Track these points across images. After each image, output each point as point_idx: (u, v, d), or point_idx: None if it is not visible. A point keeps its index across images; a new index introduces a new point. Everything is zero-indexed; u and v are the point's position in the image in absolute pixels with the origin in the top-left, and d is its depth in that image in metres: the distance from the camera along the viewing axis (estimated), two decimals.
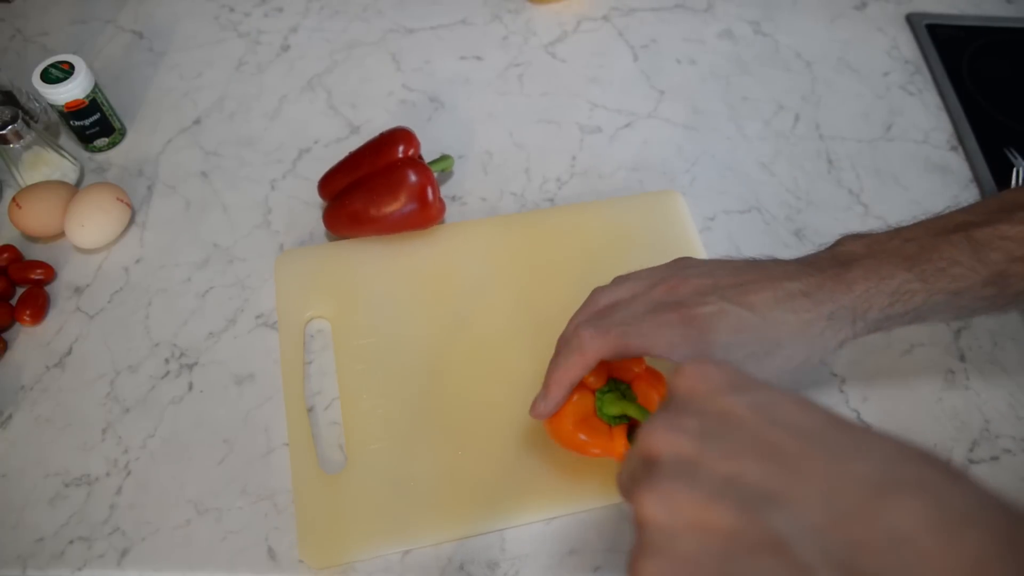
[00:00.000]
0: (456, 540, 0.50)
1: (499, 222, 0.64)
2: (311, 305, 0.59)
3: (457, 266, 0.61)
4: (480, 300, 0.59)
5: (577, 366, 0.42)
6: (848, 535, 0.25)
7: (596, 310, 0.44)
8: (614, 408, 0.44)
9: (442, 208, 0.61)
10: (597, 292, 0.45)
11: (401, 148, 0.59)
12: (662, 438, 0.29)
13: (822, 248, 0.45)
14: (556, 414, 0.44)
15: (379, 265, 0.61)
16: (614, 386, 0.45)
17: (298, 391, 0.55)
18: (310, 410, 0.55)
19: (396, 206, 0.58)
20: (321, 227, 0.64)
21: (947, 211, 0.44)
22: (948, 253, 0.41)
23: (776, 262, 0.43)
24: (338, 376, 0.56)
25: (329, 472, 0.52)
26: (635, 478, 0.29)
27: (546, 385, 0.43)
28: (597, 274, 0.50)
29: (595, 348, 0.41)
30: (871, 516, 0.25)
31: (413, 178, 0.58)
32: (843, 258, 0.42)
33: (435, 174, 0.61)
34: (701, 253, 0.62)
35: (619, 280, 0.45)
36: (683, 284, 0.42)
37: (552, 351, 0.48)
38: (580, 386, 0.44)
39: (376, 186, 0.58)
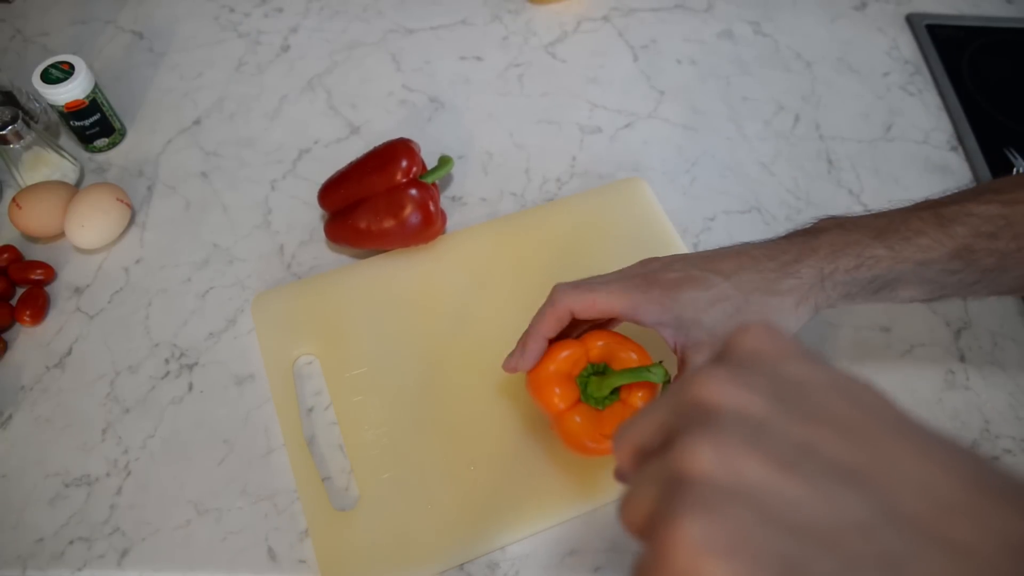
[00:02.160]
0: (477, 558, 0.50)
1: (478, 231, 0.63)
2: (295, 345, 0.57)
3: (440, 280, 0.60)
4: (468, 311, 0.59)
5: (549, 317, 0.43)
6: (948, 531, 0.21)
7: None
8: (602, 388, 0.44)
9: (444, 221, 0.61)
10: (557, 289, 0.45)
11: (404, 163, 0.58)
12: (724, 389, 0.24)
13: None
14: (570, 428, 0.45)
15: (359, 292, 0.59)
16: (592, 369, 0.46)
17: (297, 433, 0.53)
18: (311, 442, 0.54)
19: (400, 225, 0.58)
20: (321, 227, 0.64)
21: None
22: (915, 225, 0.42)
23: (748, 242, 0.45)
24: (336, 410, 0.54)
25: (343, 509, 0.51)
26: (674, 428, 0.24)
27: (521, 340, 0.45)
28: (577, 270, 0.50)
29: (564, 300, 0.43)
30: (979, 514, 0.21)
31: (417, 200, 0.58)
32: (813, 231, 0.44)
33: (436, 179, 0.61)
34: (673, 235, 0.62)
35: (584, 280, 0.46)
36: (653, 261, 0.45)
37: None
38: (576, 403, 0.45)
39: (379, 207, 0.58)
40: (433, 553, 0.49)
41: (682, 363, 0.43)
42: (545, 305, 0.44)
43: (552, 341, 0.45)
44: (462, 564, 0.49)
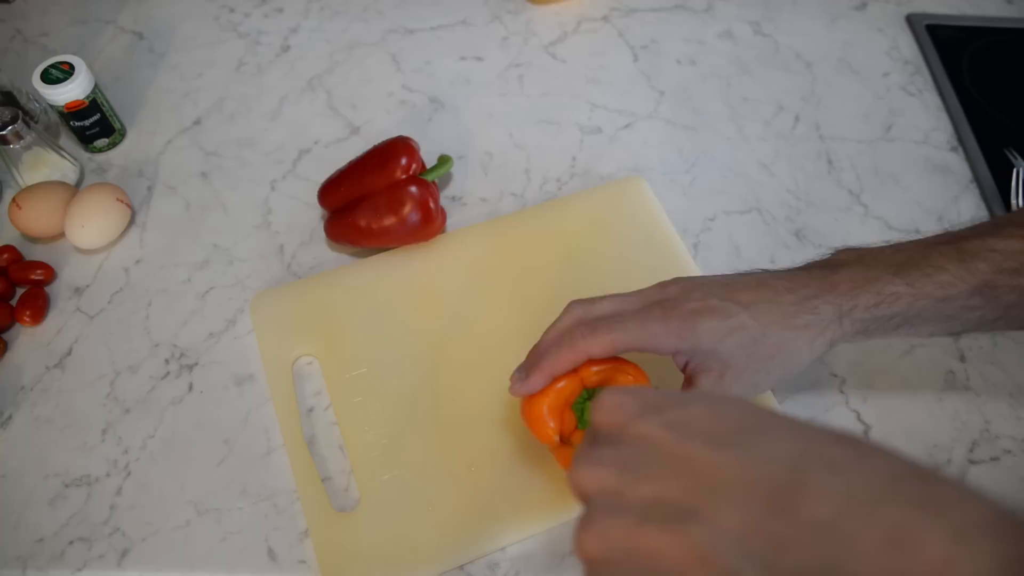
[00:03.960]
0: (478, 559, 0.49)
1: (478, 231, 0.63)
2: (295, 345, 0.57)
3: (439, 279, 0.60)
4: (468, 311, 0.58)
5: (565, 361, 0.43)
6: (767, 536, 0.25)
7: (586, 319, 0.44)
8: None
9: (444, 219, 0.61)
10: (574, 305, 0.45)
11: (404, 160, 0.58)
12: (586, 475, 0.30)
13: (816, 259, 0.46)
14: (567, 459, 0.44)
15: (359, 292, 0.59)
16: (588, 395, 0.45)
17: (297, 434, 0.53)
18: (311, 442, 0.53)
19: (400, 223, 0.58)
20: (320, 228, 0.64)
21: (944, 231, 0.45)
22: (936, 261, 0.41)
23: (766, 270, 0.44)
24: (336, 411, 0.54)
25: (343, 510, 0.50)
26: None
27: (529, 370, 0.44)
28: (578, 270, 0.49)
29: (583, 345, 0.42)
30: (786, 512, 0.25)
31: (416, 197, 0.58)
32: (833, 264, 0.43)
33: (436, 177, 0.61)
34: (673, 234, 0.62)
35: (601, 297, 0.45)
36: (672, 286, 0.43)
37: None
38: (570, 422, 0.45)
39: (379, 204, 0.58)
40: (433, 554, 0.49)
41: (688, 382, 0.43)
42: (561, 346, 0.42)
43: None
44: (462, 565, 0.49)
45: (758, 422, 0.28)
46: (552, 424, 0.44)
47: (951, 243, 0.42)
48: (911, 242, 0.44)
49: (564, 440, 0.45)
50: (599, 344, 0.41)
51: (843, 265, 0.43)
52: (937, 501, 0.24)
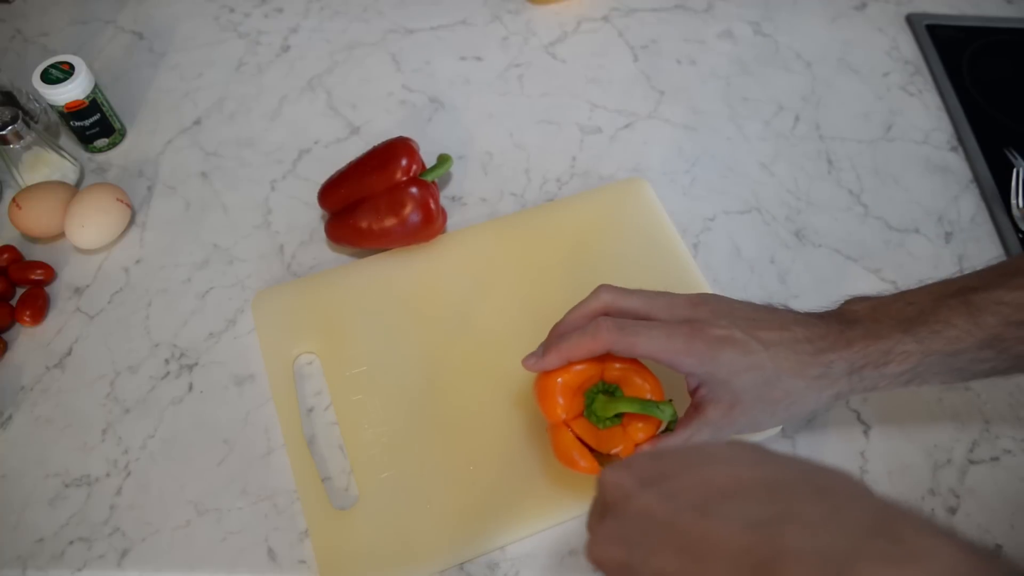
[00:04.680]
0: (477, 557, 0.50)
1: (479, 231, 0.63)
2: (295, 343, 0.57)
3: (440, 279, 0.60)
4: (468, 310, 0.59)
5: (584, 348, 0.43)
6: None
7: (613, 310, 0.45)
8: (607, 409, 0.44)
9: (444, 220, 0.61)
10: (603, 291, 0.45)
11: (404, 162, 0.58)
12: (601, 551, 0.32)
13: (830, 307, 0.46)
14: (563, 440, 0.45)
15: (360, 290, 0.59)
16: (603, 387, 0.45)
17: (297, 432, 0.53)
18: (311, 442, 0.54)
19: (400, 224, 0.58)
20: (321, 228, 0.64)
21: (955, 276, 0.45)
22: (944, 316, 0.42)
23: (790, 310, 0.45)
24: (335, 409, 0.54)
25: (342, 508, 0.50)
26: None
27: (547, 350, 0.44)
28: (579, 270, 0.49)
29: (607, 339, 0.42)
30: None
31: (417, 198, 0.58)
32: (848, 317, 0.44)
33: (435, 177, 0.61)
34: (675, 236, 0.62)
35: (633, 291, 0.45)
36: (702, 306, 0.44)
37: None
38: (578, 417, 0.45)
39: (380, 206, 0.58)
40: (432, 552, 0.49)
41: (696, 409, 0.43)
42: (586, 336, 0.43)
43: None
44: (462, 564, 0.49)
45: (743, 482, 0.30)
46: (562, 402, 0.44)
47: (959, 295, 0.43)
48: (921, 291, 0.44)
49: (566, 421, 0.45)
50: (622, 343, 0.42)
51: (857, 321, 0.43)
52: (908, 555, 0.25)
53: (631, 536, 0.31)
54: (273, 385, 0.55)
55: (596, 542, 0.33)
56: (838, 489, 0.29)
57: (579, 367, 0.44)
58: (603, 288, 0.45)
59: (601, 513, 0.34)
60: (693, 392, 0.44)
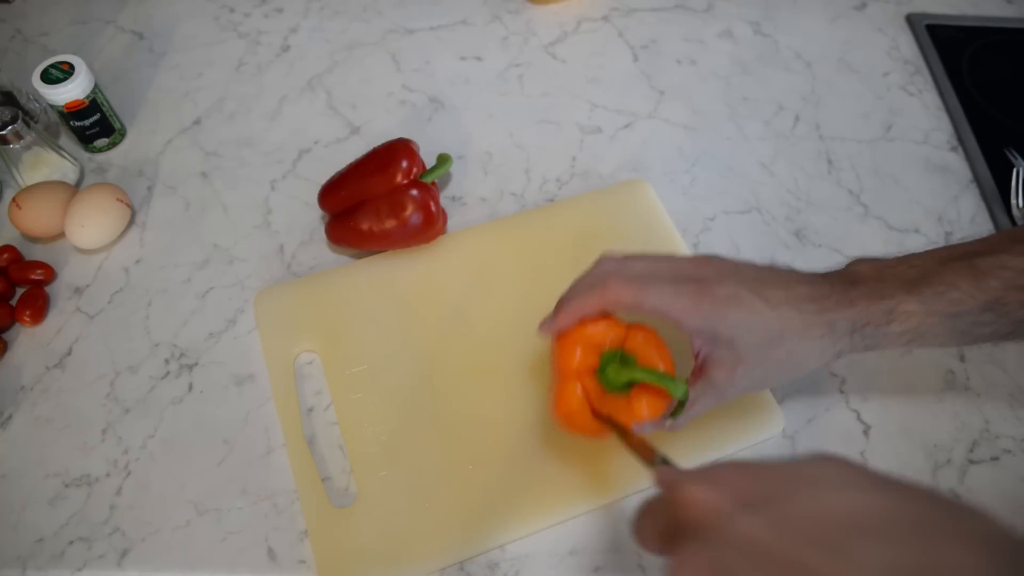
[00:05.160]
0: (476, 556, 0.50)
1: (479, 231, 0.63)
2: (296, 342, 0.57)
3: (440, 279, 0.60)
4: (468, 310, 0.59)
5: (593, 301, 0.43)
6: None
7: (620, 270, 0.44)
8: (620, 375, 0.44)
9: (444, 221, 0.61)
10: (606, 258, 0.45)
11: (404, 164, 0.58)
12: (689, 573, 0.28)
13: (835, 268, 0.46)
14: (567, 394, 0.45)
15: (360, 290, 0.59)
16: (620, 354, 0.45)
17: (297, 430, 0.53)
18: (311, 441, 0.54)
19: (401, 226, 0.58)
20: (321, 228, 0.64)
21: (961, 241, 0.45)
22: (949, 278, 0.42)
23: (793, 270, 0.45)
24: (335, 407, 0.54)
25: (341, 506, 0.50)
26: None
27: (558, 310, 0.45)
28: (579, 270, 0.49)
29: (616, 292, 0.42)
30: None
31: (418, 200, 0.58)
32: (851, 277, 0.44)
33: (436, 178, 0.61)
34: (676, 238, 0.62)
35: (635, 255, 0.45)
36: (707, 266, 0.44)
37: (549, 350, 0.47)
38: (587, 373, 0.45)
39: (380, 208, 0.58)
40: (431, 551, 0.49)
41: (700, 371, 0.44)
42: (595, 289, 0.43)
43: None
44: (461, 563, 0.49)
45: (875, 516, 0.26)
46: (579, 355, 0.44)
47: (964, 259, 0.43)
48: (926, 254, 0.44)
49: (578, 373, 0.45)
50: (630, 294, 0.42)
51: (861, 280, 0.43)
52: None
53: (732, 567, 0.26)
54: (274, 383, 0.55)
55: (684, 568, 0.28)
56: (988, 534, 0.25)
57: (603, 326, 0.44)
58: (605, 256, 0.45)
59: (675, 533, 0.29)
60: (696, 354, 0.44)
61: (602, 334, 0.44)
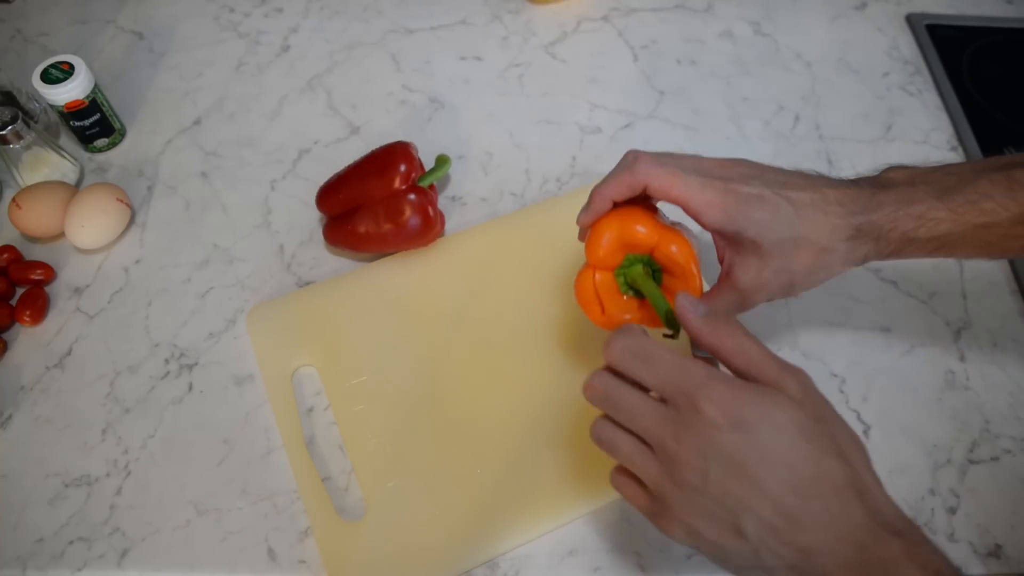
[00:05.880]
0: (488, 560, 0.49)
1: (474, 233, 0.63)
2: (293, 356, 0.56)
3: (437, 283, 0.60)
4: (467, 313, 0.58)
5: (623, 183, 0.43)
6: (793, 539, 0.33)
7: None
8: (635, 282, 0.44)
9: (442, 223, 0.61)
10: (633, 151, 0.45)
11: (403, 168, 0.58)
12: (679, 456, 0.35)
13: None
14: (585, 282, 0.45)
15: (356, 300, 0.59)
16: (647, 260, 0.44)
17: (299, 445, 0.52)
18: (312, 445, 0.53)
19: (399, 229, 0.58)
20: (320, 228, 0.64)
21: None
22: (984, 188, 0.42)
23: (821, 175, 0.45)
24: (337, 421, 0.54)
25: (351, 520, 0.50)
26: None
27: (590, 198, 0.44)
28: (578, 267, 0.49)
29: (645, 172, 0.42)
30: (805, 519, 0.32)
31: (416, 204, 0.58)
32: (882, 182, 0.44)
33: (435, 180, 0.61)
34: None
35: (661, 152, 0.45)
36: (732, 167, 0.43)
37: (550, 350, 0.48)
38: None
39: (378, 211, 0.58)
40: (443, 559, 0.49)
41: (725, 276, 0.44)
42: (623, 170, 0.43)
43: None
44: (468, 570, 0.49)
45: (774, 452, 0.34)
46: (604, 246, 0.43)
47: (1003, 170, 0.42)
48: (963, 164, 0.44)
49: (594, 267, 0.45)
50: (659, 180, 0.41)
51: (891, 185, 0.43)
52: None
53: (713, 460, 0.34)
54: (272, 399, 0.55)
55: (675, 447, 0.35)
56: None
57: (636, 223, 0.43)
58: (640, 155, 0.43)
59: (686, 421, 0.35)
60: (721, 259, 0.44)
61: (632, 233, 0.43)
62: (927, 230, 0.42)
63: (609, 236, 0.43)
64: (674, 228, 0.44)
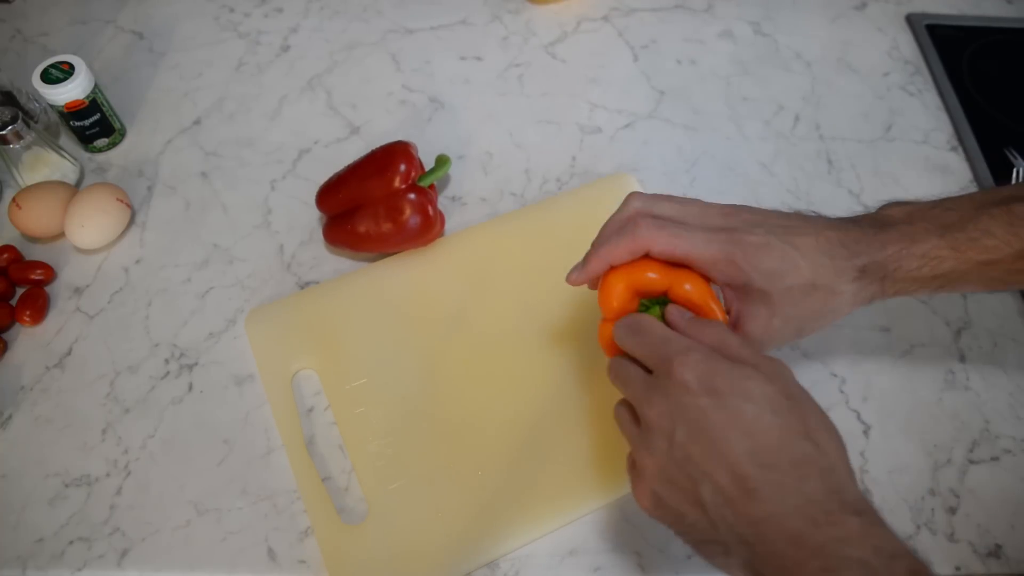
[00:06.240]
0: (490, 561, 0.49)
1: (472, 233, 0.63)
2: (292, 360, 0.56)
3: (437, 283, 0.60)
4: (467, 314, 0.58)
5: (624, 248, 0.42)
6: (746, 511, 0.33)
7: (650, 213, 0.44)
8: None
9: (442, 223, 0.61)
10: (634, 196, 0.44)
11: (403, 167, 0.58)
12: (655, 425, 0.37)
13: (867, 211, 0.46)
14: (604, 332, 0.44)
15: (355, 302, 0.59)
16: (664, 301, 0.43)
17: (300, 446, 0.52)
18: (316, 457, 0.53)
19: (399, 229, 0.58)
20: (320, 228, 0.64)
21: (1005, 185, 0.45)
22: (984, 224, 0.42)
23: (821, 216, 0.45)
24: (338, 423, 0.54)
25: (352, 521, 0.50)
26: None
27: (588, 257, 0.44)
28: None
29: (647, 237, 0.41)
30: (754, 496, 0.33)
31: (415, 204, 0.58)
32: (883, 221, 0.43)
33: (434, 180, 0.61)
34: None
35: (663, 196, 0.45)
36: (734, 216, 0.43)
37: (551, 349, 0.48)
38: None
39: (378, 211, 0.58)
40: (445, 561, 0.49)
41: (734, 326, 0.43)
42: (624, 234, 0.42)
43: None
44: (470, 571, 0.49)
45: (755, 428, 0.35)
46: (617, 298, 0.43)
47: (1003, 204, 0.42)
48: (963, 198, 0.44)
49: (616, 316, 0.44)
50: (662, 243, 0.41)
51: (892, 223, 0.43)
52: None
53: (678, 423, 0.36)
54: (272, 402, 0.55)
55: (652, 411, 0.37)
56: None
57: (646, 271, 0.42)
58: (633, 195, 0.44)
59: (661, 386, 0.37)
60: (728, 311, 0.43)
61: (643, 281, 0.43)
62: (931, 269, 0.42)
63: (620, 288, 0.43)
64: (688, 268, 0.43)
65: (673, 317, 0.41)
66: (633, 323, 0.40)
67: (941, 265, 0.42)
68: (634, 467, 0.38)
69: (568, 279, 0.45)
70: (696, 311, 0.42)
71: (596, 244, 0.44)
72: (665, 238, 0.41)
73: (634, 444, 0.38)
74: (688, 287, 0.42)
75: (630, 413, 0.39)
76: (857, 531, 0.32)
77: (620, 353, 0.43)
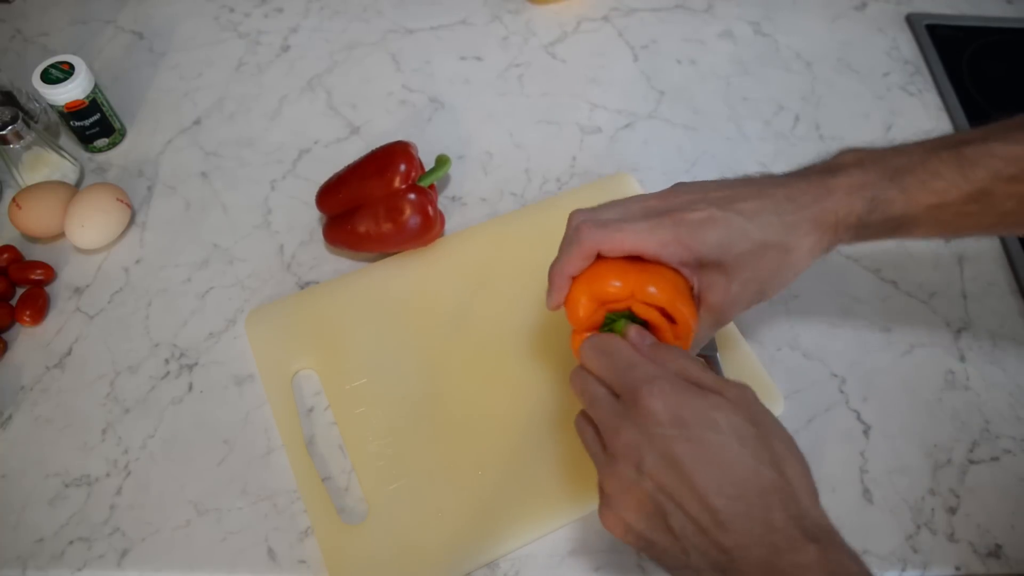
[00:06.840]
0: (490, 562, 0.49)
1: (472, 233, 0.63)
2: (292, 361, 0.56)
3: (437, 283, 0.60)
4: (466, 314, 0.58)
5: (575, 256, 0.43)
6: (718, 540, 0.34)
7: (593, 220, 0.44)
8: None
9: (442, 223, 0.61)
10: (576, 212, 0.44)
11: (403, 167, 0.58)
12: (630, 455, 0.37)
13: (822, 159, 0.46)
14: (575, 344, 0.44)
15: (355, 302, 0.59)
16: (629, 315, 0.43)
17: (300, 446, 0.52)
18: (316, 457, 0.53)
19: (399, 229, 0.58)
20: (320, 228, 0.64)
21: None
22: (933, 167, 0.41)
23: (766, 175, 0.45)
24: (338, 423, 0.54)
25: (352, 521, 0.50)
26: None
27: (549, 278, 0.44)
28: None
29: (592, 239, 0.42)
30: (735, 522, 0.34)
31: (416, 204, 0.58)
32: (832, 167, 0.43)
33: (434, 180, 0.61)
34: None
35: (605, 204, 0.45)
36: (674, 196, 0.43)
37: (551, 350, 0.48)
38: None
39: (378, 211, 0.58)
40: (445, 561, 0.49)
41: (698, 300, 0.43)
42: (571, 244, 0.43)
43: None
44: (470, 571, 0.49)
45: (723, 455, 0.35)
46: (581, 311, 0.43)
47: (954, 147, 0.42)
48: (915, 144, 0.44)
49: (576, 331, 0.44)
50: (608, 241, 0.41)
51: (842, 169, 0.43)
52: None
53: (654, 450, 0.35)
54: (272, 403, 0.55)
55: (624, 451, 0.36)
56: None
57: (614, 283, 0.42)
58: (575, 213, 0.44)
59: (634, 419, 0.36)
60: (692, 287, 0.43)
61: (605, 291, 0.42)
62: (881, 213, 0.42)
63: (584, 299, 0.43)
64: (653, 265, 0.43)
65: (635, 341, 0.41)
66: (599, 344, 0.40)
67: (891, 208, 0.41)
68: (603, 492, 0.38)
69: (548, 306, 0.45)
70: (664, 312, 0.42)
71: (552, 265, 0.45)
72: (608, 234, 0.42)
73: (601, 470, 0.38)
74: (652, 290, 0.42)
75: (594, 431, 0.39)
76: (815, 558, 0.33)
77: None
